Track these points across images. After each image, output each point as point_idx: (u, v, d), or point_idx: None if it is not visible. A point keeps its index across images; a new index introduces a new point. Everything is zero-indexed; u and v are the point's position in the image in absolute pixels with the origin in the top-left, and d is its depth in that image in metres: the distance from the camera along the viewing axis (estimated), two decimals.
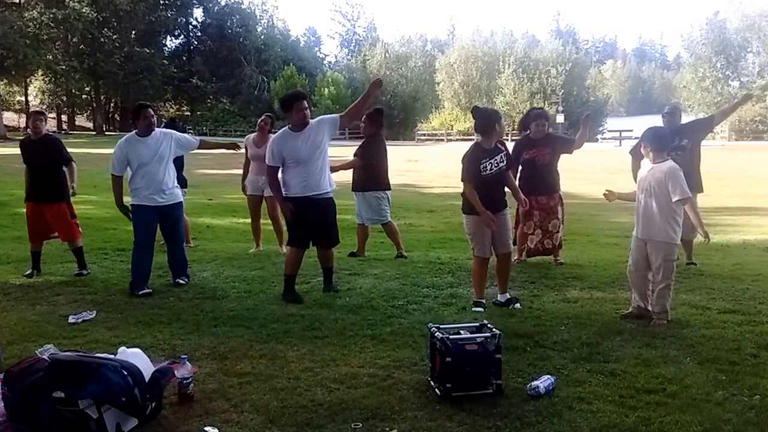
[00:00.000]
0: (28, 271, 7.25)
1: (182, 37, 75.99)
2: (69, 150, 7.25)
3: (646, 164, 5.37)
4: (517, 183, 6.68)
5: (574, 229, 11.63)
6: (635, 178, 5.77)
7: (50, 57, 59.00)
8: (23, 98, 65.24)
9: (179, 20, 72.10)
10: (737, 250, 8.87)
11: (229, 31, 71.91)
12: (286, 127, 6.01)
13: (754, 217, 12.77)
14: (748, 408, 3.64)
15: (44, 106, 65.79)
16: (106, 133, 62.38)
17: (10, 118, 66.62)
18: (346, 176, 8.19)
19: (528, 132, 7.27)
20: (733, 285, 6.43)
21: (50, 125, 65.68)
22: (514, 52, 60.69)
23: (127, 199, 6.53)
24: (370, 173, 7.92)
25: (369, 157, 7.91)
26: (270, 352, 4.60)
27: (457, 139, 54.70)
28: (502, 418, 3.55)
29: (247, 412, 3.65)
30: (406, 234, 10.73)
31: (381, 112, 8.11)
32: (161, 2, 67.66)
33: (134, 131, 6.50)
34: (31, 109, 8.35)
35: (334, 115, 6.23)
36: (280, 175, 6.00)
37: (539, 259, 7.56)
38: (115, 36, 65.03)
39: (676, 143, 6.69)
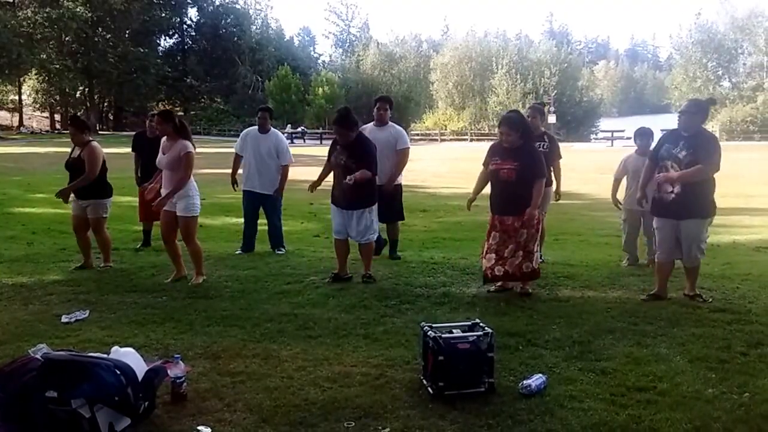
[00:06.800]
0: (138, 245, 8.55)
1: (176, 36, 75.92)
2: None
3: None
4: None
5: (566, 228, 11.68)
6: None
7: (44, 56, 58.90)
8: (17, 97, 65.04)
9: (173, 20, 72.00)
10: (727, 250, 8.92)
11: (224, 30, 71.89)
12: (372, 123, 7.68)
13: (744, 217, 12.81)
14: (737, 406, 3.67)
15: (38, 105, 65.75)
16: (100, 132, 62.18)
17: (4, 117, 66.44)
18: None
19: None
20: (723, 284, 6.47)
21: (44, 124, 65.91)
22: (508, 53, 60.81)
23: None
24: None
25: None
26: (263, 351, 4.61)
27: (450, 139, 54.83)
28: (494, 416, 3.57)
29: (240, 411, 3.66)
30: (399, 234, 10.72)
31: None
32: (155, 1, 67.47)
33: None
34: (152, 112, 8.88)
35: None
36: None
37: None
38: (109, 35, 64.84)
39: (673, 152, 5.68)
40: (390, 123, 7.79)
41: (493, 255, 5.92)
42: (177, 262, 6.83)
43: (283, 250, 8.41)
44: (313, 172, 7.45)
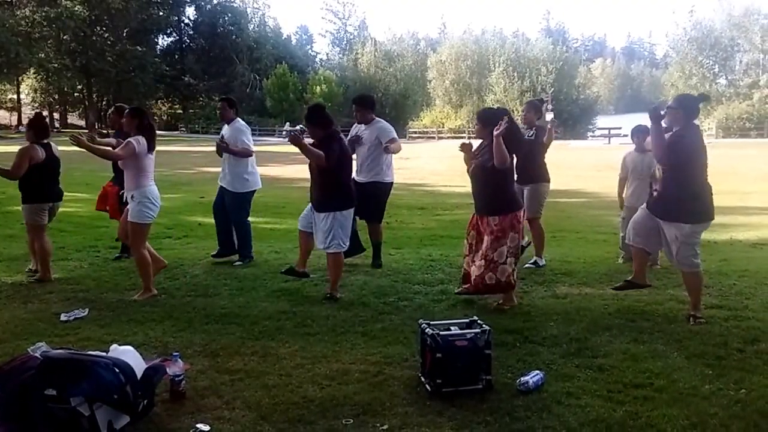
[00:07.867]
0: (117, 255, 7.95)
1: (174, 35, 75.88)
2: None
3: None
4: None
5: (564, 225, 11.69)
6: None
7: (42, 55, 58.82)
8: (15, 96, 64.96)
9: (171, 18, 71.95)
10: (724, 247, 8.94)
11: (221, 29, 71.88)
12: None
13: (740, 215, 12.82)
14: (734, 402, 3.69)
15: (36, 104, 65.63)
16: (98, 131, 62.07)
17: (3, 116, 66.34)
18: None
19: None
20: (720, 281, 6.49)
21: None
22: (505, 51, 60.77)
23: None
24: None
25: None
26: (262, 349, 4.63)
27: (448, 137, 54.78)
28: (492, 413, 3.59)
29: (239, 408, 3.68)
30: (397, 231, 10.75)
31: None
32: (153, 0, 67.41)
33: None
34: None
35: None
36: None
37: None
38: (107, 34, 64.81)
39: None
40: (376, 119, 7.40)
41: (470, 258, 5.68)
42: (145, 275, 6.18)
43: (246, 261, 7.55)
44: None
